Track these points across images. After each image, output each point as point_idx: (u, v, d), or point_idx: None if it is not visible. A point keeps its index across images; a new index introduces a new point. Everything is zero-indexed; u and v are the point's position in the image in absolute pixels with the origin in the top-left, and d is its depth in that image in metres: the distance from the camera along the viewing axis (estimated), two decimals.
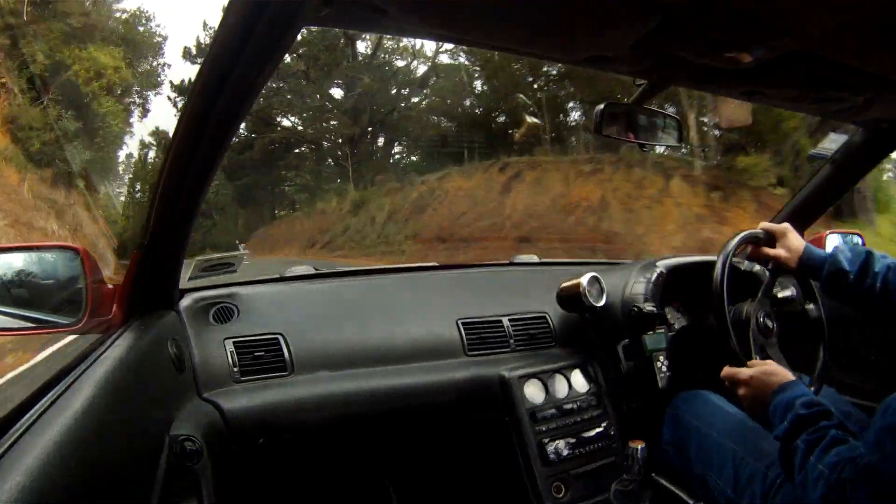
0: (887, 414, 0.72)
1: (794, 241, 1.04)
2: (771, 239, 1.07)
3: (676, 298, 1.27)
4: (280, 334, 1.10)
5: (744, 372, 0.94)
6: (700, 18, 0.71)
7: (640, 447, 1.07)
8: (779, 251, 1.04)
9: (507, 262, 1.71)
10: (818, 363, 1.08)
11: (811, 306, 1.11)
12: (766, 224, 1.09)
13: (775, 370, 0.92)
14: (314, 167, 22.44)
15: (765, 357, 1.03)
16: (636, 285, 1.25)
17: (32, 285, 0.87)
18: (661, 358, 1.21)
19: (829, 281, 1.00)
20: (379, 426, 1.14)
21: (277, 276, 1.37)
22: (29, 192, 9.79)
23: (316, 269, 1.42)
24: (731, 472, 0.97)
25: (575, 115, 15.13)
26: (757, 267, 1.20)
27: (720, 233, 7.71)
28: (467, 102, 19.04)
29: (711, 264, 1.11)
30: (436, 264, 1.57)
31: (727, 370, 0.98)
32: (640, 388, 1.23)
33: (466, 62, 18.06)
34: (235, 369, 1.03)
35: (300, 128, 21.83)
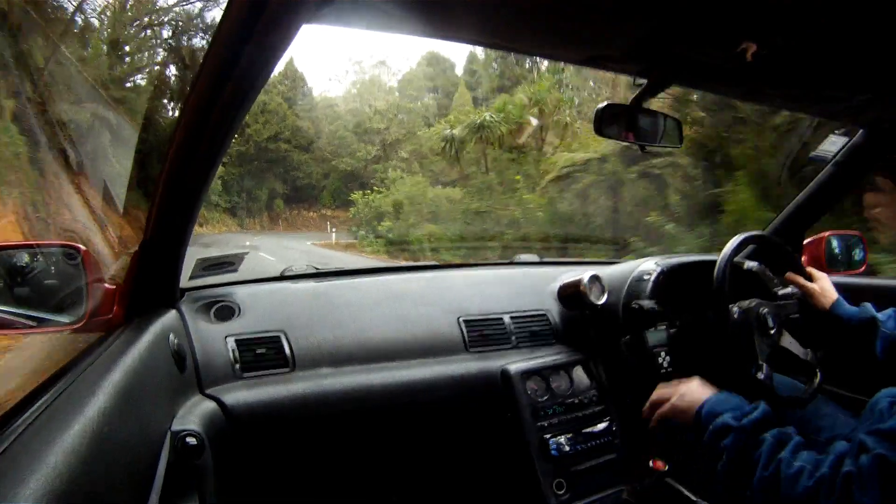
0: (875, 410, 0.73)
1: (829, 288, 1.14)
2: (808, 277, 1.17)
3: (677, 296, 1.27)
4: (281, 331, 1.10)
5: (669, 387, 0.96)
6: (700, 18, 0.71)
7: (662, 469, 1.04)
8: (815, 287, 1.13)
9: (508, 261, 1.72)
10: (809, 388, 1.08)
11: (808, 350, 1.12)
12: (810, 269, 1.19)
13: (703, 383, 0.93)
14: None
15: (770, 352, 1.05)
16: (637, 283, 1.26)
17: (33, 284, 0.87)
18: (663, 354, 1.21)
19: (860, 328, 1.07)
20: (381, 421, 1.14)
21: (278, 274, 1.37)
22: None
23: (316, 269, 1.42)
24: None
25: None
26: (757, 266, 1.21)
27: None
28: None
29: (712, 263, 1.12)
30: (436, 263, 1.57)
31: (655, 394, 1.00)
32: (643, 384, 1.24)
33: None
34: (237, 366, 1.03)
35: None
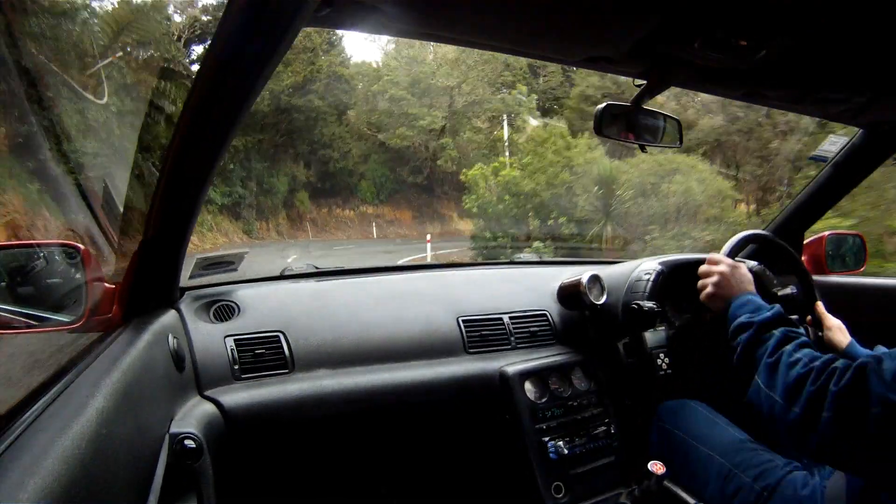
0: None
1: (843, 328, 1.16)
2: (813, 291, 1.21)
3: (677, 296, 1.27)
4: (280, 332, 1.10)
5: (729, 261, 1.03)
6: (700, 19, 0.71)
7: (661, 472, 1.02)
8: (835, 322, 1.16)
9: (508, 260, 1.72)
10: None
11: None
12: (829, 319, 1.21)
13: (752, 280, 1.02)
14: None
15: None
16: (637, 283, 1.25)
17: (33, 283, 0.87)
18: (662, 355, 1.21)
19: None
20: (379, 423, 1.14)
21: (278, 274, 1.37)
22: None
23: (316, 268, 1.42)
24: (719, 485, 0.97)
25: None
26: (757, 266, 1.21)
27: None
28: None
29: None
30: (436, 263, 1.57)
31: (713, 255, 1.07)
32: (641, 385, 1.24)
33: None
34: (236, 367, 1.03)
35: None
